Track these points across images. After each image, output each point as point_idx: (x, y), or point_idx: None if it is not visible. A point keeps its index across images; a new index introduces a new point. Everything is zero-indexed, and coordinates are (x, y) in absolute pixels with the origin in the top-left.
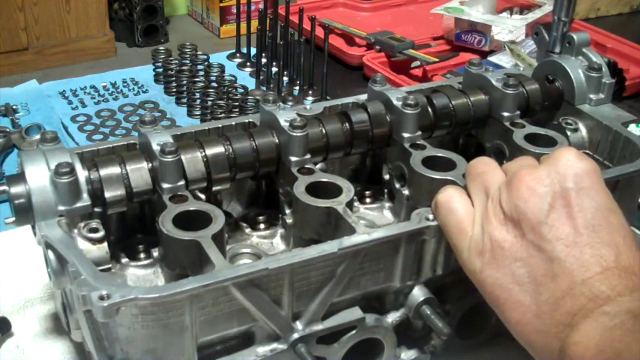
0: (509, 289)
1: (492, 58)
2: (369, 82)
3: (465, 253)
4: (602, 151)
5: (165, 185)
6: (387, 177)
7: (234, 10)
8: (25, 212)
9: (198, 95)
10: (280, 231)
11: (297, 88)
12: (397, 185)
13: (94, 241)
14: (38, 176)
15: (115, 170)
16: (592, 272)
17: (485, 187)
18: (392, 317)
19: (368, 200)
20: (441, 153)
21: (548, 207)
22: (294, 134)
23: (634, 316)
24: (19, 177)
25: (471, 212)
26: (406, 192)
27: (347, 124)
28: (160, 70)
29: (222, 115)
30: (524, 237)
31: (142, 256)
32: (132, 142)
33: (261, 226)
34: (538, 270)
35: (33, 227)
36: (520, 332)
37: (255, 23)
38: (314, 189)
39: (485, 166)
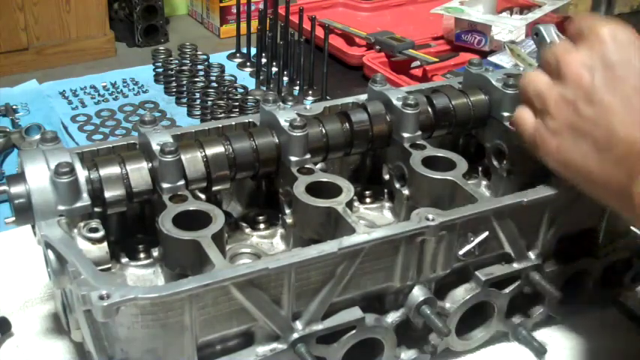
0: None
1: (492, 58)
2: (369, 82)
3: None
4: None
5: (165, 185)
6: (387, 177)
7: (234, 10)
8: (25, 212)
9: (198, 95)
10: (280, 231)
11: (297, 88)
12: (397, 185)
13: (93, 241)
14: (38, 176)
15: (114, 170)
16: None
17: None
18: (392, 317)
19: (368, 200)
20: (441, 153)
21: (598, 80)
22: (294, 134)
23: None
24: (19, 177)
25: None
26: (406, 192)
27: (347, 124)
28: (160, 70)
29: (222, 115)
30: (580, 114)
31: (142, 256)
32: (132, 142)
33: (261, 226)
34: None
35: (33, 227)
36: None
37: (255, 23)
38: (314, 189)
39: (532, 84)
